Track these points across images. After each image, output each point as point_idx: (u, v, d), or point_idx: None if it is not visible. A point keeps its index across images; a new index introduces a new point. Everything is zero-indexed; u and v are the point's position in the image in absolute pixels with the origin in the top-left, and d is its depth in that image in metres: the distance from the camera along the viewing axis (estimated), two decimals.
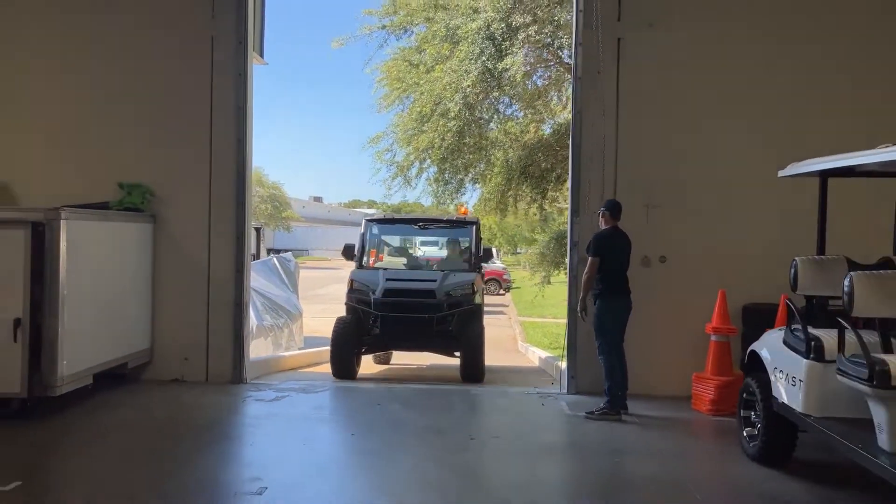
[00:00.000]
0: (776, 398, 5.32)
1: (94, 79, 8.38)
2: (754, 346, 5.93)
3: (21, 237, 6.41)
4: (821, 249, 5.62)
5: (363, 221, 11.94)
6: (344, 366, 9.64)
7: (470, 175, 17.51)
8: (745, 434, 5.85)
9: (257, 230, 29.83)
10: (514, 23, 12.49)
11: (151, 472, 5.33)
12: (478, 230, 11.82)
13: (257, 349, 11.53)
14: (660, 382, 7.92)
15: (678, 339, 7.90)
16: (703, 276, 7.92)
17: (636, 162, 8.07)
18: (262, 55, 9.89)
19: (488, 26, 12.79)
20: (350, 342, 9.75)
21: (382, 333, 9.87)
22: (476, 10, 13.19)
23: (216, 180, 8.35)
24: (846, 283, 4.54)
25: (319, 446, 6.25)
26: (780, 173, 5.95)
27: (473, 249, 11.45)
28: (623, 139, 8.09)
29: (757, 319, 7.26)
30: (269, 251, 33.29)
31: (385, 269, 11.06)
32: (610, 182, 8.08)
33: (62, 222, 6.53)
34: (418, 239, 17.01)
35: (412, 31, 15.96)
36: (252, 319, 11.28)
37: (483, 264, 12.42)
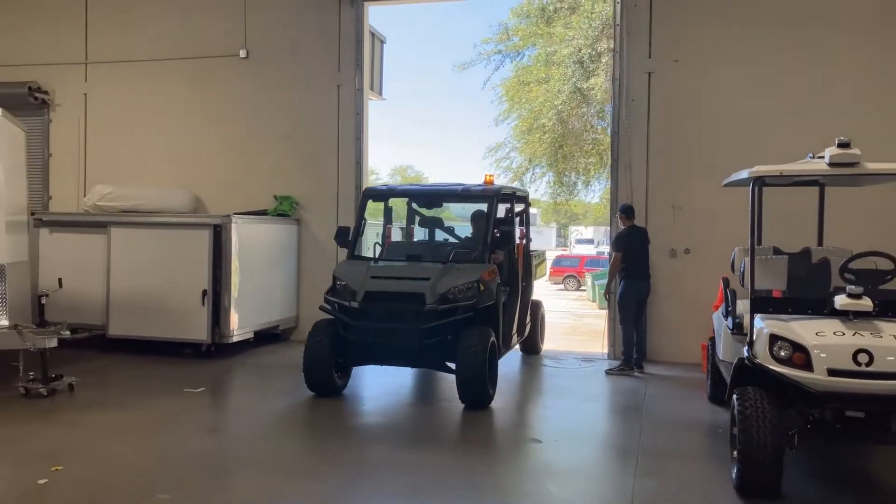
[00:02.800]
0: (717, 353, 7.19)
1: (253, 120, 11.48)
2: (714, 318, 7.76)
3: (206, 235, 9.51)
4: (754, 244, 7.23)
5: (361, 194, 9.27)
6: (319, 382, 7.57)
7: (582, 177, 19.63)
8: (708, 382, 7.73)
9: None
10: (598, 48, 14.46)
11: (286, 385, 8.13)
12: (498, 205, 8.34)
13: None
14: (681, 352, 9.76)
15: (696, 317, 9.66)
16: (718, 266, 9.65)
17: (665, 172, 9.94)
18: (380, 93, 12.70)
19: (578, 51, 14.84)
20: (325, 357, 7.45)
21: (358, 347, 7.48)
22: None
23: (342, 192, 11.17)
24: (741, 265, 6.40)
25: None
26: (723, 182, 7.51)
27: (484, 233, 8.12)
28: (653, 154, 9.99)
29: None
30: None
31: (377, 260, 8.23)
32: (642, 188, 10.03)
33: (232, 224, 9.57)
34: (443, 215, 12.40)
35: (524, 54, 18.31)
36: None
37: (533, 256, 9.80)
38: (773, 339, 4.97)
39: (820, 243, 7.44)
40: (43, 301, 8.47)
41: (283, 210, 11.16)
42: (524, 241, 9.45)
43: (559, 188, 20.48)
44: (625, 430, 6.72)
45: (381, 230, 9.80)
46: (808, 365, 4.79)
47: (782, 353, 4.91)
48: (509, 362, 9.23)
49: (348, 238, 8.39)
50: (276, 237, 10.85)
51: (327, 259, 11.04)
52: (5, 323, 7.54)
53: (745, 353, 5.23)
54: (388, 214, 9.60)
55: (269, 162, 11.40)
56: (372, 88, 12.19)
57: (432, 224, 9.52)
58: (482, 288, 7.47)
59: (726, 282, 7.24)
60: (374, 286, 7.49)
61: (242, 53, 11.39)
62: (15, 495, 4.89)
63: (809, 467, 5.55)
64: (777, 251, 7.15)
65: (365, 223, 8.69)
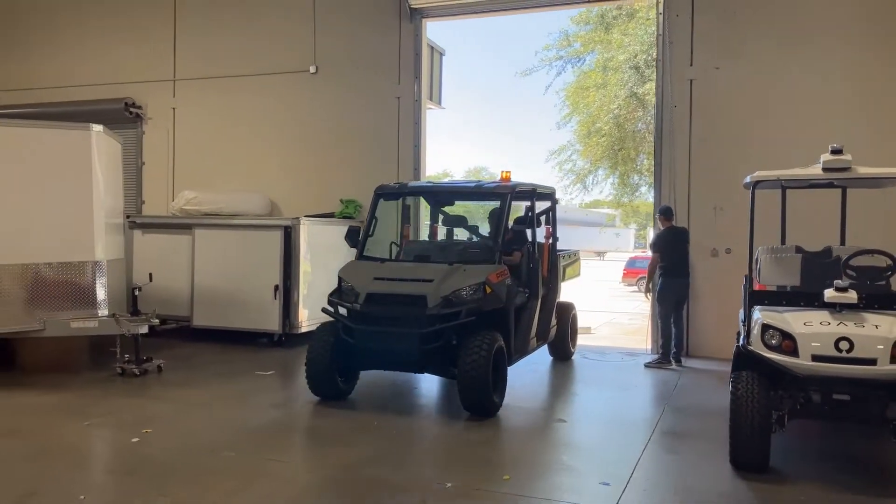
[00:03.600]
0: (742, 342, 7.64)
1: (321, 130, 12.47)
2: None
3: (278, 235, 10.52)
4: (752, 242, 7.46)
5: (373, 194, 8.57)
6: (322, 386, 7.33)
7: (645, 178, 19.95)
8: None
9: None
10: (654, 54, 14.84)
11: None
12: (511, 203, 7.94)
13: None
14: (720, 347, 10.12)
15: (735, 314, 10.02)
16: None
17: (706, 175, 10.36)
18: (439, 102, 13.50)
19: (634, 57, 15.27)
20: (327, 360, 7.19)
21: (360, 351, 7.17)
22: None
23: None
24: (756, 257, 6.87)
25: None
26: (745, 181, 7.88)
27: (495, 233, 7.92)
28: (694, 158, 10.43)
29: None
30: None
31: (383, 261, 7.91)
32: (684, 190, 10.48)
33: (301, 226, 10.55)
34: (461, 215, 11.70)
35: (584, 59, 18.81)
36: None
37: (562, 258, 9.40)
38: (765, 328, 5.49)
39: (842, 242, 7.78)
40: (136, 293, 9.62)
41: (348, 213, 12.10)
42: (549, 241, 9.01)
43: (623, 189, 20.90)
44: (647, 414, 7.27)
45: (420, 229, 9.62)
46: (794, 351, 5.29)
47: (773, 341, 5.42)
48: (548, 357, 9.85)
49: (358, 238, 8.13)
50: (341, 237, 11.74)
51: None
52: (105, 312, 8.71)
53: (741, 341, 5.75)
54: (405, 213, 9.44)
55: (336, 168, 12.37)
56: (431, 98, 13.00)
57: (455, 223, 9.30)
58: (489, 290, 7.06)
59: (748, 279, 7.69)
60: (376, 288, 7.20)
61: (312, 69, 12.41)
62: (115, 448, 6.07)
63: (799, 445, 6.05)
64: (799, 250, 7.53)
65: (376, 222, 8.36)
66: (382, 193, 8.46)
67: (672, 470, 5.66)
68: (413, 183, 8.60)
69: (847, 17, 9.80)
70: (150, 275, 10.03)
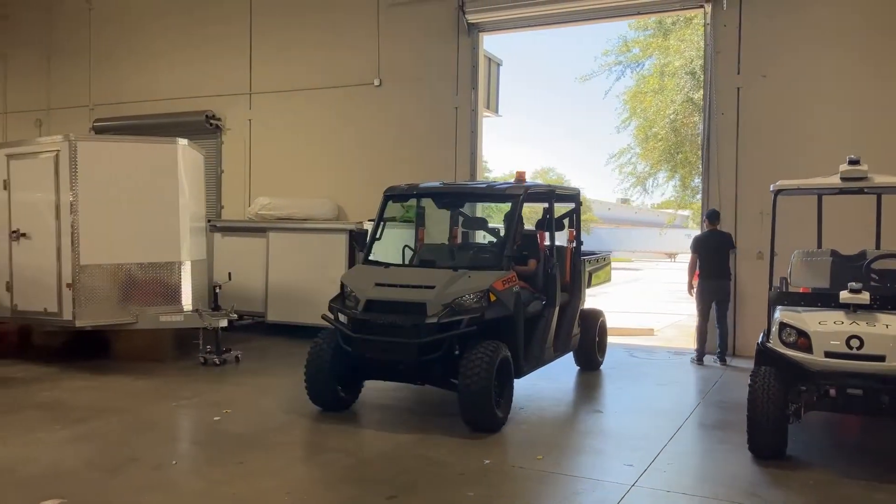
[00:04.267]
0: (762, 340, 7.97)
1: (385, 139, 13.26)
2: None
3: (344, 238, 11.34)
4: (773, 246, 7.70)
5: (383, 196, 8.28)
6: (320, 395, 7.08)
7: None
8: None
9: None
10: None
11: None
12: (521, 206, 7.47)
13: None
14: None
15: None
16: None
17: (752, 180, 10.67)
18: (496, 111, 14.13)
19: (690, 62, 15.54)
20: (325, 369, 6.92)
21: (357, 360, 6.85)
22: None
23: None
24: (791, 260, 7.26)
25: None
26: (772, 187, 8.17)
27: (504, 237, 7.66)
28: (741, 164, 10.75)
29: None
30: None
31: (388, 266, 7.53)
32: (731, 195, 10.81)
33: (364, 230, 11.35)
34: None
35: (643, 64, 19.12)
36: None
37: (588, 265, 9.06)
38: (783, 326, 5.93)
39: (877, 246, 8.05)
40: (217, 291, 10.56)
41: (409, 217, 12.83)
42: (573, 245, 8.64)
43: (684, 192, 21.07)
44: (682, 407, 7.69)
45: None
46: (809, 348, 5.72)
47: (790, 339, 5.86)
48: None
49: (366, 241, 7.91)
50: (402, 240, 12.53)
51: None
52: (190, 307, 9.69)
53: (761, 339, 6.19)
54: (419, 216, 9.06)
55: (398, 174, 13.08)
56: (488, 107, 13.66)
57: (474, 225, 9.12)
58: (493, 298, 6.67)
59: (783, 281, 8.06)
60: (375, 294, 6.88)
61: (376, 82, 13.22)
62: (199, 425, 6.96)
63: (818, 436, 6.45)
64: (835, 254, 7.84)
65: (384, 225, 8.07)
66: (391, 195, 8.18)
67: (694, 455, 6.16)
68: (423, 184, 8.15)
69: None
70: (230, 274, 10.99)
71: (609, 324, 10.09)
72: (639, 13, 12.06)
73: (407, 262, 8.31)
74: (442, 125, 12.79)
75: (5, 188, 9.51)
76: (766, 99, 10.63)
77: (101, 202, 9.17)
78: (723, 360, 10.01)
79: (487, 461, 5.77)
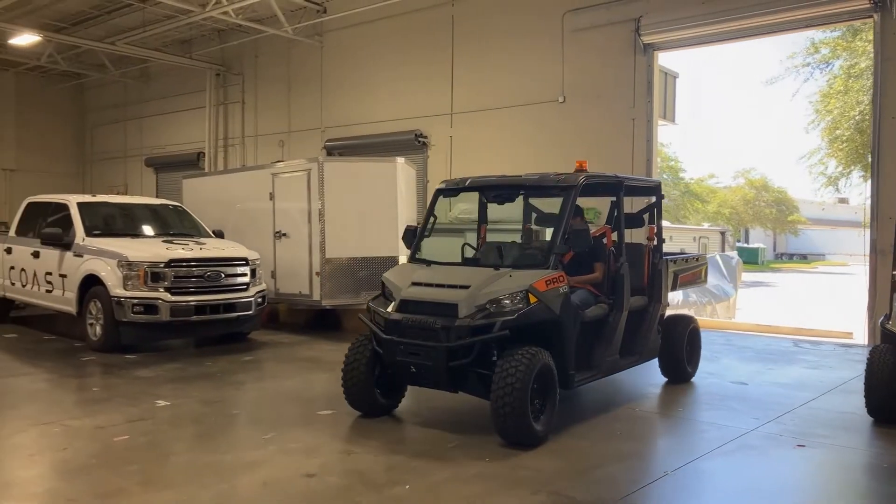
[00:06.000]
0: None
1: (568, 150, 14.90)
2: None
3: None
4: None
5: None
6: (356, 396, 6.80)
7: None
8: None
9: (722, 234, 34.39)
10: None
11: None
12: (575, 198, 6.92)
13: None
14: None
15: None
16: None
17: None
18: (673, 120, 15.27)
19: None
20: (362, 371, 6.65)
21: (386, 363, 6.59)
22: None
23: (634, 204, 14.05)
24: None
25: None
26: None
27: (553, 233, 6.79)
28: None
29: None
30: (735, 249, 36.95)
31: (430, 263, 7.20)
32: None
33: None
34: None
35: (833, 64, 19.10)
36: (679, 294, 16.83)
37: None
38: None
39: None
40: None
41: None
42: (652, 243, 8.17)
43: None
44: (825, 385, 8.60)
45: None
46: None
47: None
48: (757, 344, 11.27)
49: (413, 238, 7.58)
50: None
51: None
52: None
53: (881, 320, 7.15)
54: (482, 212, 8.68)
55: None
56: (665, 117, 14.86)
57: (546, 221, 8.66)
58: (533, 299, 6.12)
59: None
60: (410, 294, 6.54)
61: (560, 99, 14.93)
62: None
63: None
64: None
65: (434, 221, 7.79)
66: (442, 190, 7.88)
67: (818, 413, 7.25)
68: (473, 179, 7.83)
69: None
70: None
71: (806, 325, 10.37)
72: (808, 26, 12.73)
73: (466, 257, 7.77)
74: (620, 135, 14.21)
75: (271, 199, 12.42)
76: None
77: (340, 209, 11.72)
78: None
79: (637, 409, 7.33)
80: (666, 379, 8.56)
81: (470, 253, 7.86)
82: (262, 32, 18.57)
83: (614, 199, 8.03)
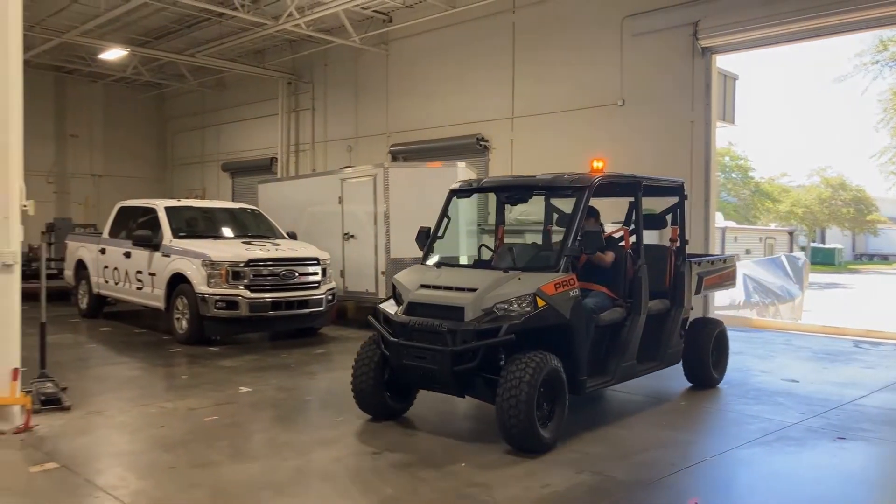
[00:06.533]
0: None
1: (628, 152, 15.19)
2: None
3: None
4: None
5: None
6: (365, 400, 6.79)
7: None
8: None
9: (790, 234, 33.68)
10: None
11: None
12: (587, 199, 6.68)
13: (740, 314, 16.89)
14: None
15: None
16: None
17: None
18: (733, 121, 15.37)
19: None
20: (370, 374, 6.65)
21: (393, 366, 6.55)
22: None
23: (694, 203, 14.25)
24: None
25: None
26: None
27: (564, 235, 6.60)
28: None
29: None
30: (802, 249, 36.12)
31: (440, 265, 7.07)
32: None
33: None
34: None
35: None
36: (741, 295, 16.91)
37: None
38: None
39: None
40: None
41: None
42: (675, 245, 7.97)
43: None
44: (876, 383, 8.76)
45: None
46: None
47: None
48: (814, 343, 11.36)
49: (426, 240, 7.45)
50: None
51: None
52: None
53: None
54: (499, 213, 8.52)
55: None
56: (724, 119, 14.98)
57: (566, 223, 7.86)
58: (541, 303, 5.98)
59: None
60: (418, 296, 6.46)
61: (619, 102, 15.23)
62: None
63: None
64: None
65: (448, 223, 7.55)
66: (456, 191, 7.70)
67: (865, 410, 7.45)
68: (487, 179, 7.90)
69: None
70: None
71: (879, 327, 10.53)
72: (867, 27, 12.70)
73: (481, 259, 7.83)
74: (678, 138, 14.42)
75: (340, 203, 13.15)
76: None
77: (404, 212, 12.34)
78: None
79: (683, 403, 7.68)
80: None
81: (487, 254, 7.78)
82: (331, 43, 19.45)
83: (633, 199, 7.82)
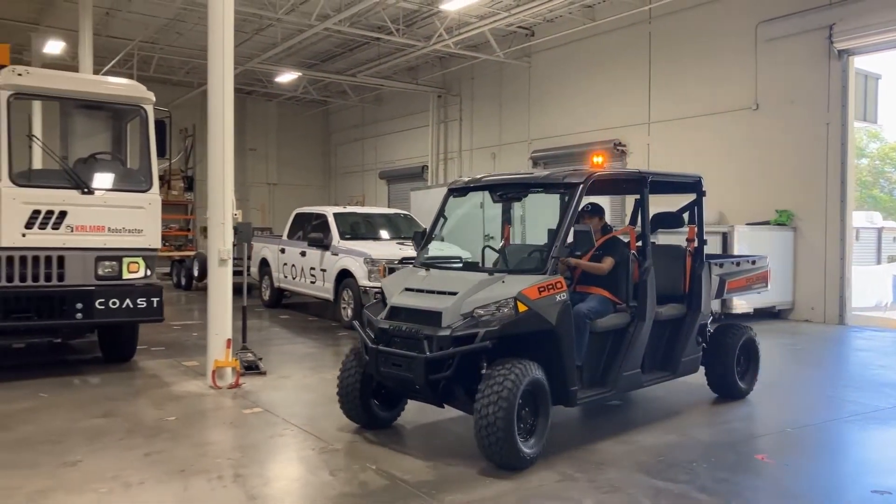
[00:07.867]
0: None
1: (762, 155, 15.50)
2: None
3: (717, 240, 14.07)
4: None
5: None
6: (352, 411, 6.51)
7: None
8: None
9: None
10: None
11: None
12: (580, 197, 6.17)
13: (886, 315, 16.61)
14: None
15: None
16: None
17: None
18: (875, 121, 15.27)
19: None
20: (358, 383, 6.37)
21: (372, 374, 6.19)
22: None
23: (829, 205, 14.41)
24: None
25: None
26: None
27: (554, 235, 6.21)
28: None
29: None
30: None
31: (429, 267, 6.67)
32: None
33: (735, 232, 13.95)
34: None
35: None
36: (889, 297, 16.70)
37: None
38: None
39: None
40: None
41: (782, 220, 14.96)
42: (693, 245, 7.37)
43: None
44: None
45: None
46: None
47: None
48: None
49: (422, 241, 7.15)
50: (775, 240, 14.76)
51: (816, 257, 14.51)
52: None
53: None
54: (505, 213, 8.11)
55: (773, 184, 15.32)
56: (865, 119, 14.96)
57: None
58: (522, 308, 5.55)
59: None
60: (400, 300, 6.15)
61: (753, 106, 15.60)
62: None
63: None
64: None
65: (444, 222, 7.26)
66: (452, 190, 7.30)
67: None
68: (484, 177, 7.32)
69: None
70: None
71: None
72: None
73: (484, 261, 7.57)
74: (813, 140, 14.64)
75: (481, 207, 14.53)
76: None
77: (541, 215, 13.46)
78: None
79: (779, 387, 8.39)
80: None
81: (492, 255, 7.51)
82: (478, 58, 21.00)
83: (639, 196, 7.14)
